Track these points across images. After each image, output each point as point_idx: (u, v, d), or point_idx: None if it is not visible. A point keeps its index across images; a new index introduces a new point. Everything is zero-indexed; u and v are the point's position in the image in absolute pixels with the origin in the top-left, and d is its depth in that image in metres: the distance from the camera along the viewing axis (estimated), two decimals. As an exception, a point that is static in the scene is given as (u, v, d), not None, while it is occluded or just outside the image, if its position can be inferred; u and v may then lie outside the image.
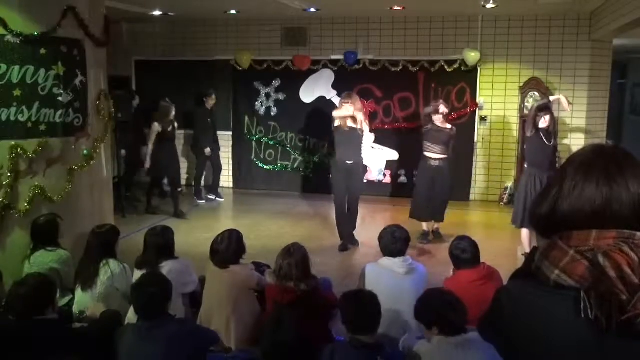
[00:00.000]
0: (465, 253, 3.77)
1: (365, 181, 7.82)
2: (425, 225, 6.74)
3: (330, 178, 6.92)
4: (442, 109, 6.49)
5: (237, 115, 9.68)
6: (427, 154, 6.54)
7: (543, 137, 5.74)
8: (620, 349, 1.06)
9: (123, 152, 8.48)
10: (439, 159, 6.49)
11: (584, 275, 1.09)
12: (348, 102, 6.20)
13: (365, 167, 6.78)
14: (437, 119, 6.46)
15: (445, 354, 2.72)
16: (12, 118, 4.34)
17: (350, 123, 6.21)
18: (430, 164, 6.51)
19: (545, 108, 5.86)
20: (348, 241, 6.45)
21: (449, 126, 6.52)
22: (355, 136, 6.30)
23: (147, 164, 7.73)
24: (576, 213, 1.16)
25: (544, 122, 5.75)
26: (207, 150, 8.58)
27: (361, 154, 6.46)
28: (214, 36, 9.67)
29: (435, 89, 8.80)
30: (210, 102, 8.59)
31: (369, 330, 2.80)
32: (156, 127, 7.63)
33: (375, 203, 8.31)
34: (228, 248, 3.79)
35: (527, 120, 6.02)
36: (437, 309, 2.80)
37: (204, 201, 8.75)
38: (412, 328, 3.57)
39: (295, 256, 3.57)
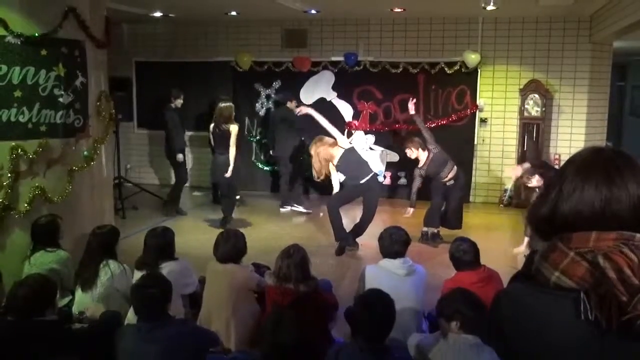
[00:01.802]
0: (466, 254, 3.78)
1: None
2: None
3: (341, 185, 6.81)
4: (408, 153, 6.57)
5: (237, 117, 9.65)
6: (440, 180, 6.55)
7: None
8: (620, 350, 1.06)
9: (180, 156, 8.01)
10: (452, 178, 6.52)
11: (584, 277, 1.09)
12: (313, 148, 6.32)
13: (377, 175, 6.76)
14: (419, 160, 6.51)
15: (459, 353, 2.72)
16: (13, 119, 4.35)
17: (341, 148, 6.24)
18: (446, 185, 6.55)
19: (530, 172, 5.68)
20: (347, 243, 6.40)
21: (426, 153, 6.48)
22: (353, 155, 6.30)
23: (229, 172, 7.08)
24: (576, 215, 1.16)
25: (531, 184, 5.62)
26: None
27: (370, 167, 6.40)
28: (214, 37, 9.68)
29: (436, 90, 8.80)
30: (292, 104, 8.23)
31: (379, 339, 2.76)
32: (236, 128, 7.02)
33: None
34: (234, 244, 3.82)
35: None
36: (460, 303, 2.80)
37: (288, 208, 8.36)
38: (416, 328, 3.58)
39: (295, 257, 3.57)
